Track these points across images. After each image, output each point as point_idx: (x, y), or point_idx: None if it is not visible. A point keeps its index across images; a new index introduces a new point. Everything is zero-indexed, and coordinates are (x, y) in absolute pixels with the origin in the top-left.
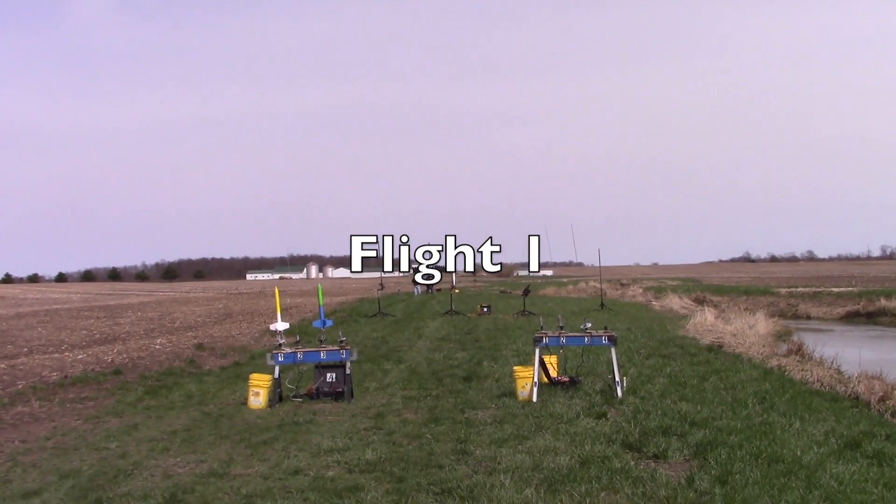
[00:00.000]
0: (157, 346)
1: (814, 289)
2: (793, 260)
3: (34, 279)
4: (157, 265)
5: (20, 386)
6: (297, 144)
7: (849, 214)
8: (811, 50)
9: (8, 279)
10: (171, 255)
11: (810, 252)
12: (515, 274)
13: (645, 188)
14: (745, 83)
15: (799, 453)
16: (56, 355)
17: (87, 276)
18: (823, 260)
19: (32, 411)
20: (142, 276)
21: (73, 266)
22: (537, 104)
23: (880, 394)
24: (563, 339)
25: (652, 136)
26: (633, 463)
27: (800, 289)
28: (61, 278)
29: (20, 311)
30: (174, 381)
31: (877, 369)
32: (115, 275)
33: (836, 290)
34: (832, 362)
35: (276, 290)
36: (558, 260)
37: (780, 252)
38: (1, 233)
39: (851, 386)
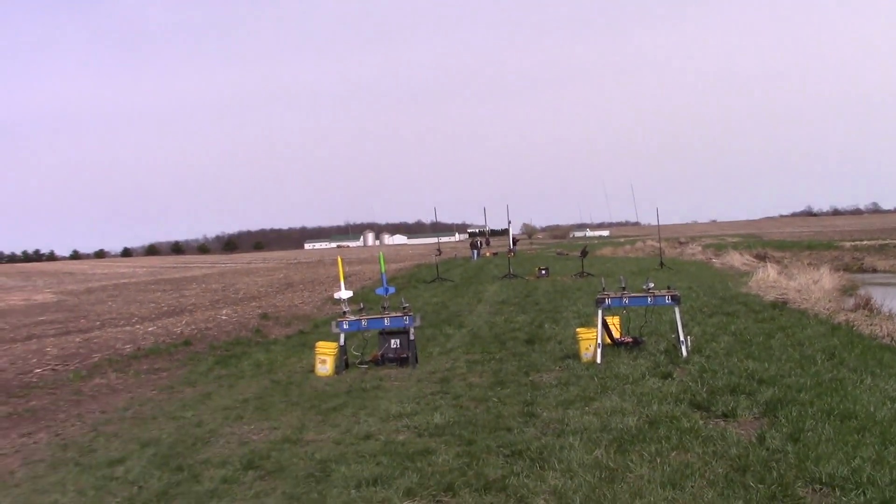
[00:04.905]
0: (223, 317)
1: (879, 241)
2: (856, 212)
3: (100, 255)
4: (217, 237)
5: (96, 359)
6: (351, 114)
7: None
8: None
9: (76, 255)
10: (231, 228)
11: (875, 204)
12: (571, 235)
13: (703, 144)
14: (805, 34)
15: (872, 409)
16: (127, 328)
17: (151, 251)
18: (889, 211)
19: (110, 383)
20: (203, 248)
21: (138, 241)
22: (595, 62)
23: None
24: (626, 300)
25: (709, 91)
26: (701, 422)
27: (865, 242)
28: (126, 253)
29: (90, 286)
30: (242, 351)
31: None
32: (177, 248)
33: None
34: None
35: (339, 259)
36: (615, 220)
37: (842, 205)
38: (68, 211)
39: None
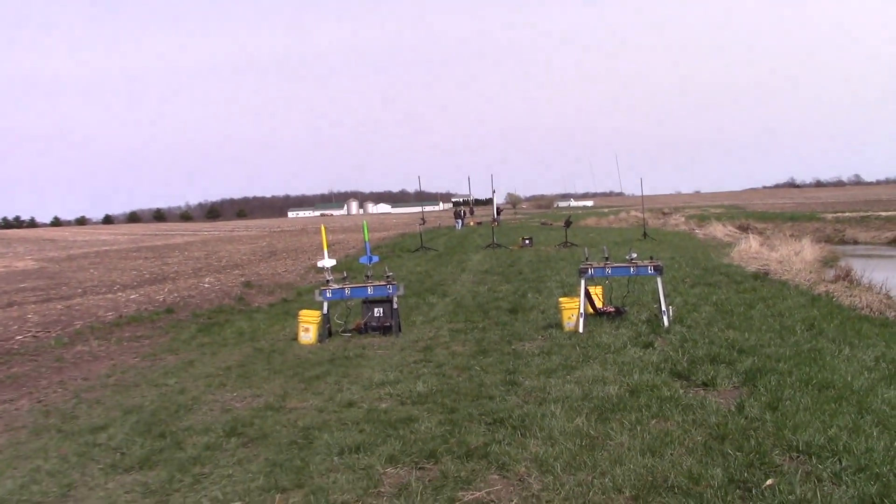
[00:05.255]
0: (205, 285)
1: (861, 213)
2: (839, 184)
3: (82, 222)
4: (200, 205)
5: (78, 326)
6: (336, 83)
7: None
8: None
9: (57, 222)
10: (214, 195)
11: (857, 176)
12: (555, 205)
13: (687, 115)
14: (789, 8)
15: (849, 379)
16: (109, 295)
17: (133, 218)
18: (871, 183)
19: (92, 350)
20: (186, 216)
21: (119, 208)
22: (579, 31)
23: None
24: (609, 270)
25: (694, 62)
26: (682, 391)
27: (846, 213)
28: (108, 220)
29: (71, 253)
30: (225, 319)
31: None
32: (159, 215)
33: (884, 213)
34: (881, 287)
35: (323, 228)
36: (599, 190)
37: (825, 176)
38: (49, 178)
39: None
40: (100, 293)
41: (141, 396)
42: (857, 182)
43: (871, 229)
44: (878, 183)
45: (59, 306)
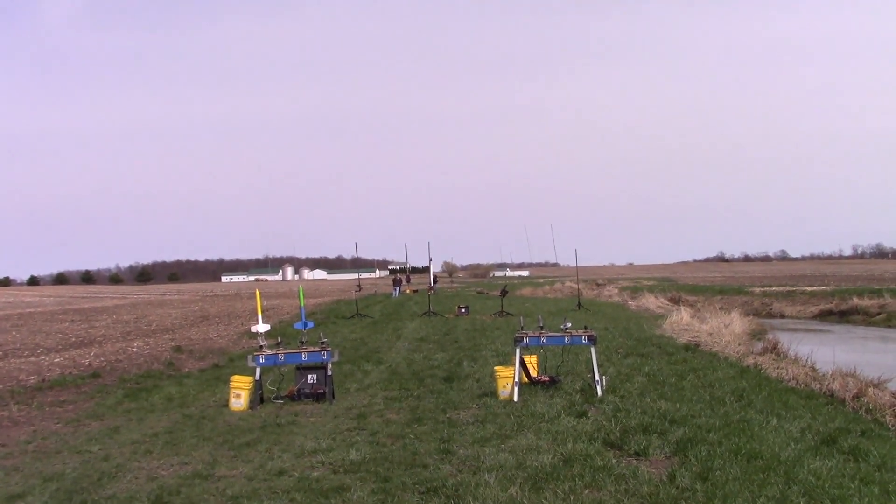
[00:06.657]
0: (134, 349)
1: (787, 288)
2: (766, 259)
3: (5, 283)
4: (130, 267)
5: None
6: (272, 147)
7: (820, 215)
8: (780, 51)
9: None
10: (145, 258)
11: (783, 251)
12: (492, 274)
13: (621, 189)
14: (718, 85)
15: (777, 450)
16: (32, 359)
17: (60, 279)
18: (796, 259)
19: (11, 415)
20: (115, 278)
21: (45, 269)
22: (513, 104)
23: (854, 391)
24: (544, 339)
25: (627, 139)
26: (614, 461)
27: (773, 288)
28: (33, 281)
29: None
30: (153, 384)
31: (850, 367)
32: (88, 277)
33: (809, 289)
34: (807, 360)
35: (258, 293)
36: (535, 260)
37: (753, 252)
38: None
39: (826, 383)
40: (22, 356)
41: (62, 463)
42: (784, 258)
43: (796, 303)
44: (804, 259)
45: None
